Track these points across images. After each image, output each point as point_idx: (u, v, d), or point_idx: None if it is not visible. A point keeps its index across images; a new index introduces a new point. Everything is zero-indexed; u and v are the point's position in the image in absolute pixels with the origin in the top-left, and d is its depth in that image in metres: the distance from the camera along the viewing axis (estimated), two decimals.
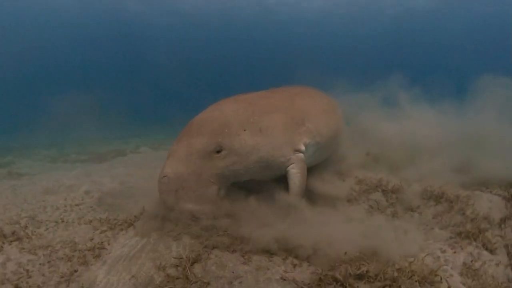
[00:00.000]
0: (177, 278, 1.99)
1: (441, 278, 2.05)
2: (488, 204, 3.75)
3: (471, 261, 2.63)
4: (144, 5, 32.06)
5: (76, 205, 4.19)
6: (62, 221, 3.62)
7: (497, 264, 2.88)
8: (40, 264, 2.65)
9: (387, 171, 4.53)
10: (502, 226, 3.42)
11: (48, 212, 3.99)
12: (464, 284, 2.26)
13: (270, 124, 3.32)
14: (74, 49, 40.78)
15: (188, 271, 2.03)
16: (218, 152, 2.95)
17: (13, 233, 3.30)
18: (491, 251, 3.03)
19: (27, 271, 2.56)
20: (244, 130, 3.14)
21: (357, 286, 1.76)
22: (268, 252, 2.42)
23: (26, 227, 3.49)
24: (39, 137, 14.58)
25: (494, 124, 5.52)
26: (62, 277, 2.43)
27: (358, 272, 1.86)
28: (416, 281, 1.85)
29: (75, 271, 2.51)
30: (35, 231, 3.37)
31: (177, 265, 2.14)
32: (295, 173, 3.42)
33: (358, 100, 6.54)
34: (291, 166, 3.43)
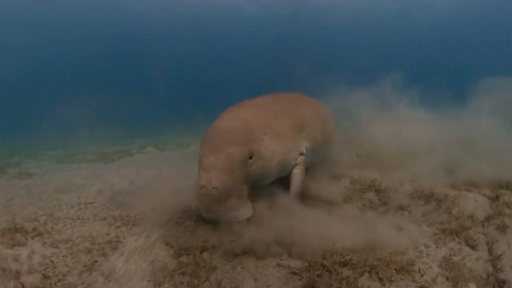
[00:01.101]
0: (188, 264, 2.28)
1: (419, 269, 2.32)
2: (473, 203, 4.02)
3: (450, 255, 2.90)
4: (145, 5, 32.38)
5: (90, 203, 4.49)
6: (78, 218, 3.92)
7: (477, 259, 3.14)
8: (63, 256, 2.95)
9: (380, 172, 4.80)
10: (486, 224, 3.67)
11: (63, 210, 4.29)
12: (441, 275, 2.53)
13: (283, 129, 3.52)
14: (75, 49, 40.96)
15: (198, 258, 2.32)
16: (250, 158, 3.07)
17: (34, 229, 3.61)
18: (473, 247, 3.30)
19: (52, 262, 2.86)
20: (265, 134, 3.26)
21: (341, 272, 2.05)
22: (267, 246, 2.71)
23: (45, 223, 3.80)
24: (42, 138, 14.83)
25: (487, 127, 5.78)
26: (84, 266, 2.73)
27: (343, 260, 2.15)
28: (394, 269, 2.12)
29: (96, 261, 2.81)
30: (54, 227, 3.67)
31: (188, 253, 2.43)
32: (298, 174, 3.72)
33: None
34: (296, 167, 3.72)
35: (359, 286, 1.97)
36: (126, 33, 39.24)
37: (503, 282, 3.17)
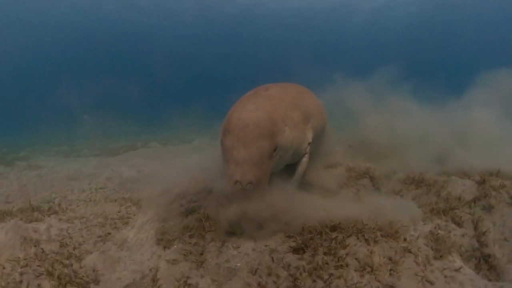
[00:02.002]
0: (195, 228, 2.53)
1: (404, 238, 2.54)
2: (462, 187, 4.23)
3: (435, 228, 3.13)
4: (147, 3, 32.75)
5: (100, 188, 4.76)
6: (91, 200, 4.19)
7: (462, 235, 3.37)
8: (78, 229, 3.21)
9: (374, 161, 5.03)
10: (472, 205, 3.90)
11: (75, 194, 4.57)
12: (426, 244, 2.76)
13: (297, 120, 3.62)
14: (77, 48, 41.27)
15: (204, 223, 2.57)
16: (274, 150, 3.15)
17: (49, 208, 3.87)
18: (459, 225, 3.52)
19: (69, 233, 3.12)
20: (286, 126, 3.30)
21: (331, 234, 2.28)
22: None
23: (59, 204, 4.08)
24: (47, 135, 15.15)
25: (481, 118, 5.99)
26: (99, 237, 2.99)
27: (332, 224, 2.39)
28: (380, 234, 2.36)
29: (109, 233, 3.06)
30: (68, 207, 3.94)
31: (195, 220, 2.69)
32: (305, 162, 3.92)
33: None
34: (304, 156, 3.91)
35: (347, 244, 2.21)
36: (129, 32, 39.58)
37: (488, 255, 3.42)
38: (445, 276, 2.25)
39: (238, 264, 2.10)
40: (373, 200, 3.49)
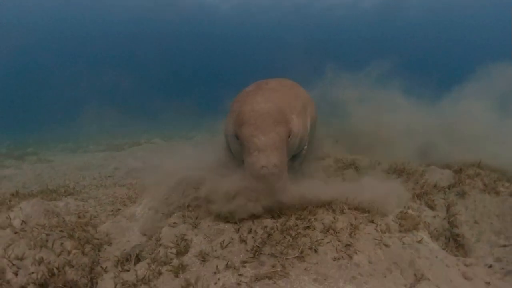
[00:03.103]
0: (197, 199, 2.96)
1: (368, 211, 2.92)
2: (439, 176, 4.59)
3: (405, 207, 3.48)
4: (150, 2, 33.19)
5: (109, 176, 5.21)
6: (101, 185, 4.64)
7: (434, 217, 3.71)
8: (92, 206, 3.66)
9: (361, 153, 5.40)
10: (447, 191, 4.26)
11: (87, 180, 5.02)
12: (393, 221, 3.12)
13: (299, 109, 3.84)
14: (81, 46, 41.67)
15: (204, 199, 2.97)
16: (289, 136, 3.28)
17: (65, 191, 4.33)
18: (431, 208, 3.86)
19: (84, 209, 3.56)
20: (293, 115, 3.48)
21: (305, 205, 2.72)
22: None
23: (74, 188, 4.52)
24: (51, 132, 15.54)
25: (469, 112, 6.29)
26: (110, 211, 3.43)
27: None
28: (347, 207, 2.76)
29: (119, 209, 3.50)
30: (81, 190, 4.39)
31: (193, 198, 3.10)
32: (305, 149, 4.22)
33: None
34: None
35: (316, 213, 2.62)
36: (130, 31, 40.02)
37: (457, 235, 3.75)
38: (403, 243, 2.58)
39: (226, 226, 2.52)
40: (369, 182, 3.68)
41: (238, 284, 1.82)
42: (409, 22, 36.92)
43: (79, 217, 3.29)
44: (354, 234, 2.36)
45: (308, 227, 2.38)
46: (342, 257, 2.08)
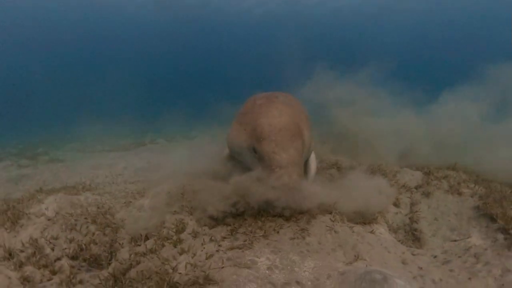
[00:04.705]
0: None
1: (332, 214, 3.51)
2: (410, 176, 5.16)
3: None
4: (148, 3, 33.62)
5: (119, 175, 5.89)
6: (113, 183, 5.32)
7: (396, 213, 4.23)
8: (108, 199, 4.33)
9: (346, 155, 5.99)
10: (413, 190, 4.83)
11: (100, 178, 5.70)
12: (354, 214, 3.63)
13: (305, 120, 3.97)
14: (83, 46, 42.20)
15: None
16: (303, 148, 3.47)
17: (83, 187, 5.01)
18: (396, 205, 4.35)
19: (102, 201, 4.23)
20: (304, 127, 3.68)
21: None
22: None
23: (90, 184, 5.20)
24: (59, 132, 15.95)
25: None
26: (124, 203, 4.10)
27: None
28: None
29: (130, 201, 4.17)
30: (97, 187, 5.07)
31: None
32: (314, 158, 4.60)
33: None
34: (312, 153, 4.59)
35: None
36: (131, 32, 40.35)
37: (415, 230, 4.26)
38: (353, 232, 2.94)
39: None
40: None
41: (217, 251, 2.47)
42: (398, 24, 37.04)
43: (98, 208, 3.96)
44: (311, 222, 2.98)
45: (274, 215, 3.02)
46: (297, 237, 2.70)
